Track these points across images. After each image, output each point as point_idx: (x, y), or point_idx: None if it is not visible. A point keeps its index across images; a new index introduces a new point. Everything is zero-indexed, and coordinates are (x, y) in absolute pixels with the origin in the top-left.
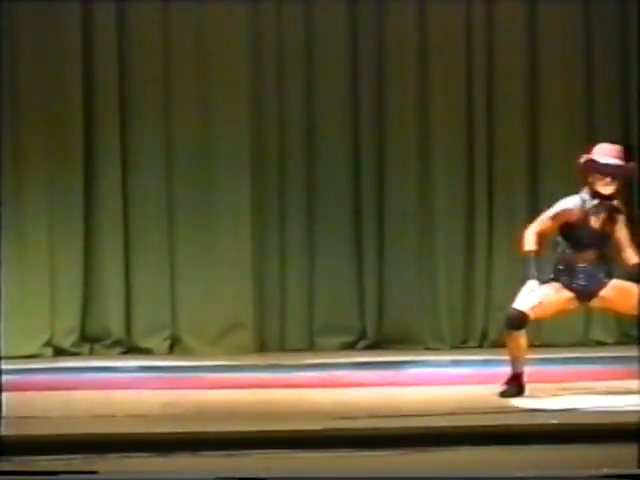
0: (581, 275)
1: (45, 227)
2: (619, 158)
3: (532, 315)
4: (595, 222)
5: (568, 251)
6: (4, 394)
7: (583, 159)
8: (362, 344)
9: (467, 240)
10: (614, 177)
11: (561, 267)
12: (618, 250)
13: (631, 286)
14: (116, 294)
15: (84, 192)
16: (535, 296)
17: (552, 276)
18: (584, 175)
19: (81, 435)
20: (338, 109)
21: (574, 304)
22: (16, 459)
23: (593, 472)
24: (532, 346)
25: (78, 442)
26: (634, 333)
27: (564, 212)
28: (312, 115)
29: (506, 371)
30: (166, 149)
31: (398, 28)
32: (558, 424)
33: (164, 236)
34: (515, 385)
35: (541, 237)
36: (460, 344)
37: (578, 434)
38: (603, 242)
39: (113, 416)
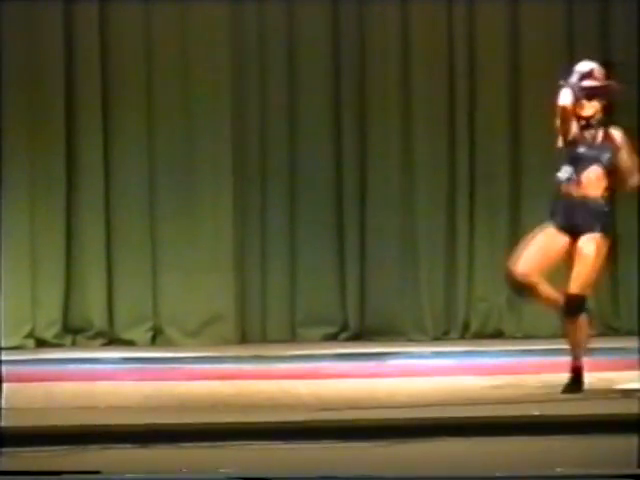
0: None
1: (26, 218)
2: (597, 78)
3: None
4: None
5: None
6: None
7: (560, 84)
8: (344, 335)
9: (448, 231)
10: (591, 99)
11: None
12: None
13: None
14: (98, 286)
15: (66, 184)
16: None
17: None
18: None
19: (63, 427)
20: (320, 107)
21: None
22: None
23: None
24: (514, 338)
25: (60, 434)
26: (617, 325)
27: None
28: (294, 112)
29: (486, 362)
30: (148, 142)
31: (380, 26)
32: (540, 415)
33: (146, 228)
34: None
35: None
36: (442, 335)
37: (560, 425)
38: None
39: (95, 407)
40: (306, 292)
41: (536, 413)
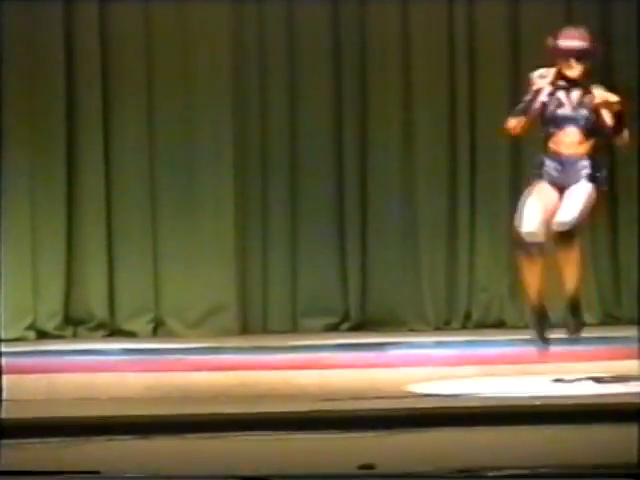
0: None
1: (27, 210)
2: (584, 40)
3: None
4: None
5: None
6: None
7: (549, 44)
8: (346, 326)
9: (449, 221)
10: (579, 58)
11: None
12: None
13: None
14: (99, 277)
15: (66, 175)
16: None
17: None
18: (553, 61)
19: (65, 418)
20: (321, 101)
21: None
22: (1, 442)
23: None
24: (516, 327)
25: (62, 425)
26: (618, 314)
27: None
28: (295, 105)
29: (489, 352)
30: (149, 134)
31: (381, 26)
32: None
33: (147, 219)
34: None
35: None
36: (443, 325)
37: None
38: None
39: (97, 399)
40: (307, 282)
41: (537, 403)
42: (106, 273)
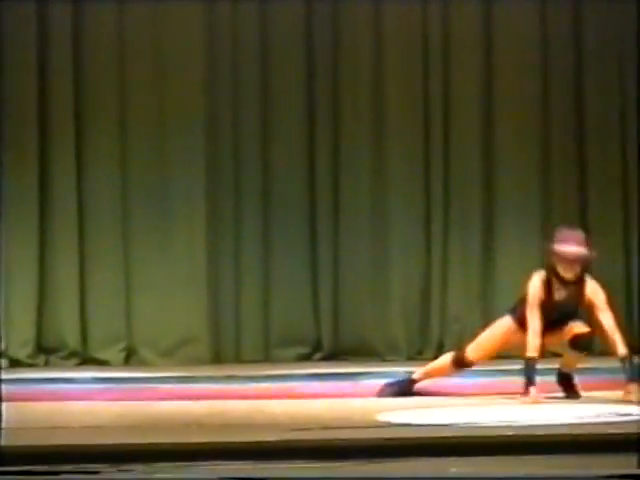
0: None
1: None
2: (580, 244)
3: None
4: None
5: None
6: None
7: (549, 250)
8: (318, 355)
9: (422, 250)
10: (576, 264)
11: None
12: (605, 337)
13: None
14: (71, 305)
15: (38, 202)
16: None
17: None
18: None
19: (37, 447)
20: (293, 109)
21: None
22: None
23: None
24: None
25: (33, 453)
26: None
27: (536, 294)
28: (268, 117)
29: (460, 383)
30: (121, 157)
31: (353, 26)
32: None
33: (119, 247)
34: None
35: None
36: (416, 355)
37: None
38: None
39: (69, 427)
40: (280, 312)
41: (509, 433)
42: (78, 302)
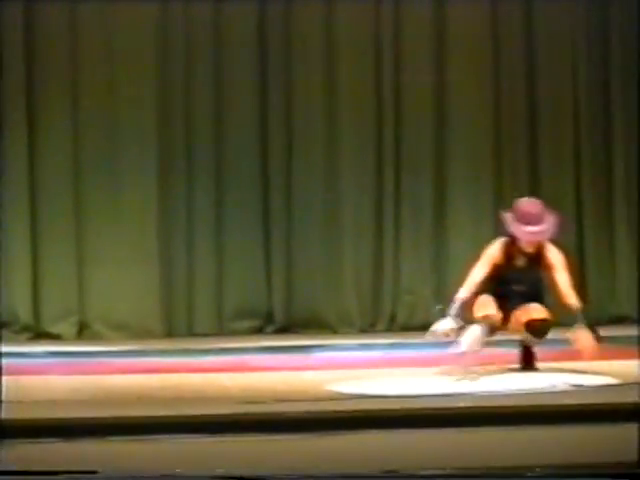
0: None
1: None
2: (540, 219)
3: None
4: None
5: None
6: None
7: (508, 226)
8: (270, 328)
9: (375, 224)
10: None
11: None
12: (558, 292)
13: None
14: (23, 280)
15: None
16: None
17: None
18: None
19: None
20: (246, 100)
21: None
22: None
23: None
24: None
25: None
26: None
27: (491, 253)
28: (220, 96)
29: (413, 355)
30: (73, 135)
31: (305, 26)
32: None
33: (71, 222)
34: None
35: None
36: (368, 328)
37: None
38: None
39: (21, 402)
40: (232, 286)
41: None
42: (30, 276)
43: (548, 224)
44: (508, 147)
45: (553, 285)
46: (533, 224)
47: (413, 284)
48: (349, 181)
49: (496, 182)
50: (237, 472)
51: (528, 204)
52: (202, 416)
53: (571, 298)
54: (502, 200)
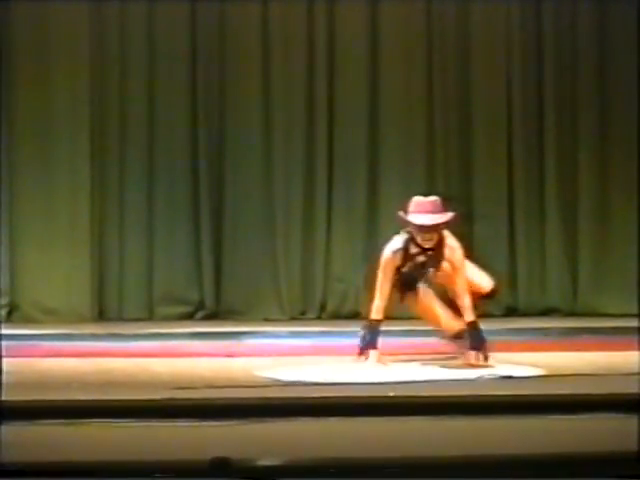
0: None
1: None
2: (436, 211)
3: None
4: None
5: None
6: None
7: (401, 218)
8: (200, 314)
9: (306, 211)
10: (432, 232)
11: None
12: (455, 298)
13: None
14: None
15: None
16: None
17: None
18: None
19: None
20: (179, 90)
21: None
22: None
23: None
24: None
25: None
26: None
27: (389, 261)
28: (153, 85)
29: (342, 343)
30: (7, 115)
31: (239, 25)
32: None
33: (3, 204)
34: None
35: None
36: (299, 315)
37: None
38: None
39: None
40: (163, 271)
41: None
42: None
43: (444, 216)
44: (441, 143)
45: (451, 284)
46: (429, 213)
47: (344, 272)
48: (280, 168)
49: (428, 172)
50: (166, 457)
51: (424, 198)
52: (132, 401)
53: (466, 312)
54: (434, 190)
